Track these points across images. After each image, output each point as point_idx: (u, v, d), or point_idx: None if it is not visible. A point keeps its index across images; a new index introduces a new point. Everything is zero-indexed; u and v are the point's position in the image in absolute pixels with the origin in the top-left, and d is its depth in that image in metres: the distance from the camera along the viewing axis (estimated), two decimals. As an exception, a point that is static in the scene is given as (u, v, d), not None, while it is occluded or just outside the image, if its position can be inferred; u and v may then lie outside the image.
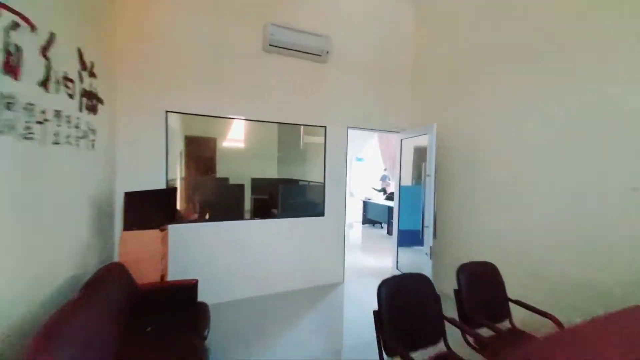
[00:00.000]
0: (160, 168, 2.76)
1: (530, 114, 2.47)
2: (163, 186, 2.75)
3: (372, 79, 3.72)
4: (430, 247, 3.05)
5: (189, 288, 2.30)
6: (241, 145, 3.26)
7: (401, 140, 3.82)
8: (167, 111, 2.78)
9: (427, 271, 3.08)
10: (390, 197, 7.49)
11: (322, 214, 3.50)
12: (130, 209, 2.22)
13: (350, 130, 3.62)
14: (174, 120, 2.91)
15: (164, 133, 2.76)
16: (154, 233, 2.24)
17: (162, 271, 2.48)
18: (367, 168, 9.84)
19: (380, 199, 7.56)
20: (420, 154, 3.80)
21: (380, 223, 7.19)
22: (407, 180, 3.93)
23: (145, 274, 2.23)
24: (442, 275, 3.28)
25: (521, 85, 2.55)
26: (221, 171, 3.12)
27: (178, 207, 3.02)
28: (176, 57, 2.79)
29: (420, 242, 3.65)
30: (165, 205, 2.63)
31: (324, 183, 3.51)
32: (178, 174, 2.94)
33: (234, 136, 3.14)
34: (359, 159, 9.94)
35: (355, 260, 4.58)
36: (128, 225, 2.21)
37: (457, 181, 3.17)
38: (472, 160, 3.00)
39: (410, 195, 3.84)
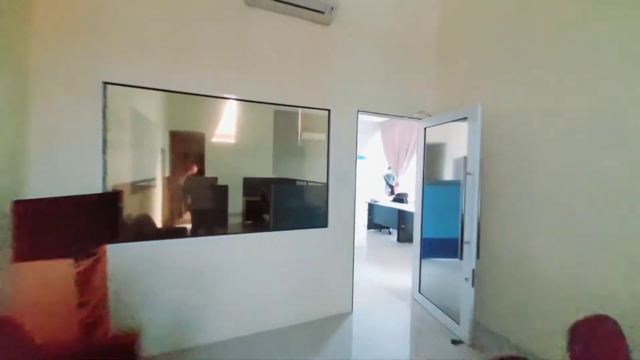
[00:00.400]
0: (92, 165, 1.93)
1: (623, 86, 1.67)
2: (99, 190, 1.93)
3: (389, 49, 2.91)
4: (473, 271, 2.25)
5: (126, 348, 1.50)
6: (232, 141, 2.63)
7: (425, 129, 3.01)
8: (105, 82, 1.95)
9: (467, 302, 2.28)
10: (398, 198, 6.70)
11: (324, 224, 2.69)
12: (27, 228, 1.40)
13: (360, 117, 2.82)
14: (153, 112, 2.30)
15: (99, 115, 1.94)
16: (61, 265, 1.42)
17: (88, 318, 1.66)
18: (370, 167, 9.10)
19: (387, 201, 6.77)
20: (431, 151, 3.03)
21: (388, 228, 6.39)
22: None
23: (54, 328, 1.42)
24: (485, 305, 2.49)
25: (606, 46, 1.75)
26: (211, 170, 2.54)
27: (160, 213, 2.42)
28: (121, 5, 1.97)
29: (443, 252, 2.92)
30: (102, 218, 1.81)
31: (327, 184, 2.70)
32: (159, 174, 2.34)
33: (225, 131, 2.55)
34: (361, 157, 9.17)
35: (362, 275, 3.77)
36: (20, 253, 1.39)
37: (508, 182, 2.36)
38: (529, 153, 2.21)
39: (431, 198, 3.04)
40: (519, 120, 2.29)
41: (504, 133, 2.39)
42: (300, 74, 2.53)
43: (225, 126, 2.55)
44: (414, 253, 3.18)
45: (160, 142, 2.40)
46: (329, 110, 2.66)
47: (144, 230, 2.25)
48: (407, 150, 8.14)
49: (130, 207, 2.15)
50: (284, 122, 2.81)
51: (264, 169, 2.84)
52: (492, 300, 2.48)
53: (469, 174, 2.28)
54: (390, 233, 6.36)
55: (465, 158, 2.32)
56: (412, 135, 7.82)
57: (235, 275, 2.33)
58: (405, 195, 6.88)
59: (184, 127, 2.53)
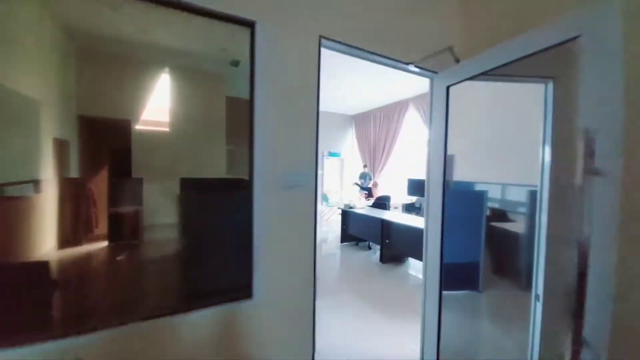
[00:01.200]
0: None
1: None
2: None
3: None
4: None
5: None
6: (168, 130, 1.52)
7: (448, 88, 1.61)
8: None
9: None
10: (379, 203, 5.40)
11: (246, 292, 1.19)
12: None
13: (328, 58, 1.36)
14: (45, 84, 1.10)
15: None
16: None
17: None
18: (345, 166, 7.82)
19: (364, 206, 5.43)
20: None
21: (368, 242, 5.04)
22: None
23: None
24: None
25: None
26: (140, 169, 1.38)
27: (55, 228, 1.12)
28: None
29: (452, 283, 1.76)
30: None
31: (251, 195, 1.21)
32: (52, 174, 1.11)
33: (159, 117, 1.56)
34: (334, 154, 7.82)
35: (330, 328, 2.32)
36: None
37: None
38: None
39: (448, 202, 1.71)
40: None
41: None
42: None
43: (161, 113, 1.36)
44: (426, 305, 1.77)
45: (51, 129, 0.95)
46: (253, 22, 1.16)
47: None
48: (384, 146, 6.98)
49: None
50: (240, 111, 1.59)
51: (215, 168, 1.58)
52: None
53: (597, 172, 0.91)
54: (370, 248, 5.01)
55: (588, 135, 0.94)
56: (389, 129, 6.75)
57: None
58: (387, 199, 5.60)
59: (102, 112, 1.17)
